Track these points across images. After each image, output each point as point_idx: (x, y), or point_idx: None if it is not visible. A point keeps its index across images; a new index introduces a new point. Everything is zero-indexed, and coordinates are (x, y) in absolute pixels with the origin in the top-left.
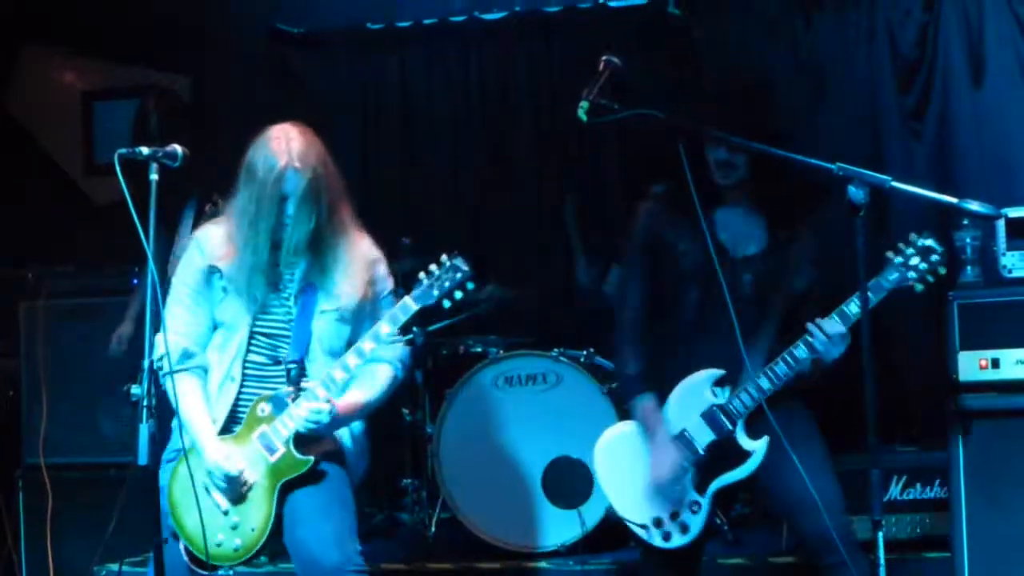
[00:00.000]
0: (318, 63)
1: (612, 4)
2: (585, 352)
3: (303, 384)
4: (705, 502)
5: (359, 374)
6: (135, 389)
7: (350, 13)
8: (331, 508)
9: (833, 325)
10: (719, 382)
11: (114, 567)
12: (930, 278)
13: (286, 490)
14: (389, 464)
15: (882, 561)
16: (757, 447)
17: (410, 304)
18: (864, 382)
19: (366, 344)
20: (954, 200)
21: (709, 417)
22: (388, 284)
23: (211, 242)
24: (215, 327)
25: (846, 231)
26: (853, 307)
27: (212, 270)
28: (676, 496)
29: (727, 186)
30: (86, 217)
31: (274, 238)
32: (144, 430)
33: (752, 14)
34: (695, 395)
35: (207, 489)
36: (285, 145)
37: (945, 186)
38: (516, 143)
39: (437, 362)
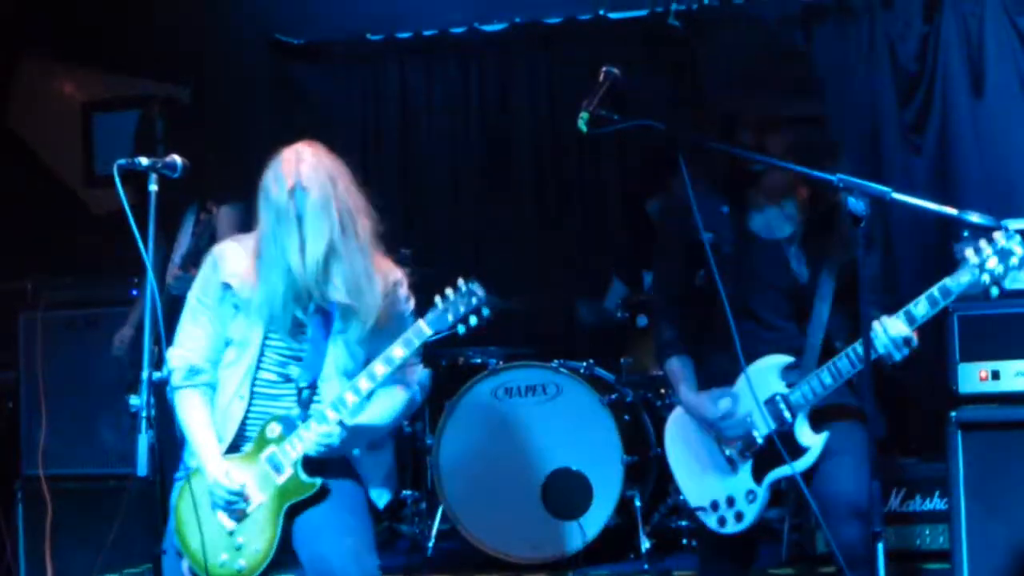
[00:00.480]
0: (318, 74)
1: (612, 16)
2: (585, 363)
3: (314, 406)
4: (761, 492)
5: (376, 395)
6: (134, 400)
7: (350, 24)
8: (348, 522)
9: (897, 325)
10: (788, 368)
11: None
12: (1005, 284)
13: (292, 512)
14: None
15: (881, 573)
16: (815, 443)
17: (424, 328)
18: (864, 394)
19: (378, 367)
20: (954, 212)
21: (772, 406)
22: (409, 306)
23: (229, 259)
24: (226, 344)
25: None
26: (921, 308)
27: (226, 287)
28: (737, 433)
29: (759, 170)
30: (85, 228)
31: (302, 261)
32: (143, 441)
33: (752, 27)
34: (762, 381)
35: (212, 508)
36: (295, 166)
37: (945, 199)
38: (516, 153)
39: (436, 373)
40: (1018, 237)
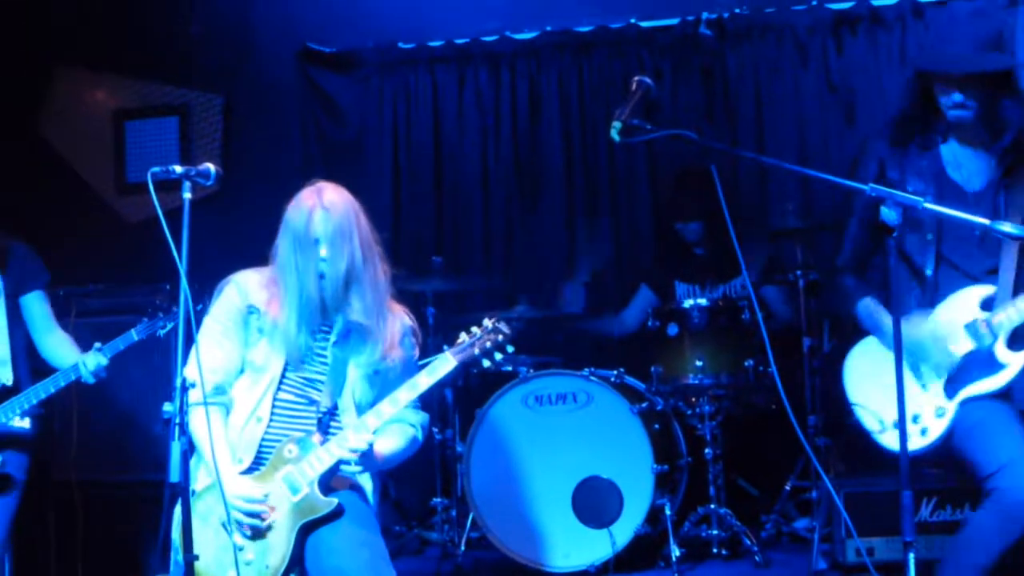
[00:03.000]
0: (349, 82)
1: (643, 24)
2: (616, 371)
3: (332, 429)
4: (953, 408)
5: (384, 429)
6: (167, 407)
7: (381, 32)
8: (362, 535)
9: None
10: (986, 305)
11: None
12: None
13: (305, 531)
14: (419, 483)
15: None
16: (1014, 360)
17: (450, 359)
18: (896, 402)
19: (402, 394)
20: (986, 222)
21: (972, 329)
22: (415, 354)
23: (250, 284)
24: (243, 368)
25: None
26: None
27: (251, 310)
28: (942, 348)
29: (958, 124)
30: (117, 235)
31: (318, 289)
32: (176, 448)
33: (783, 37)
34: (961, 309)
35: (224, 525)
36: (316, 195)
37: None
38: (547, 162)
39: (467, 381)
40: None
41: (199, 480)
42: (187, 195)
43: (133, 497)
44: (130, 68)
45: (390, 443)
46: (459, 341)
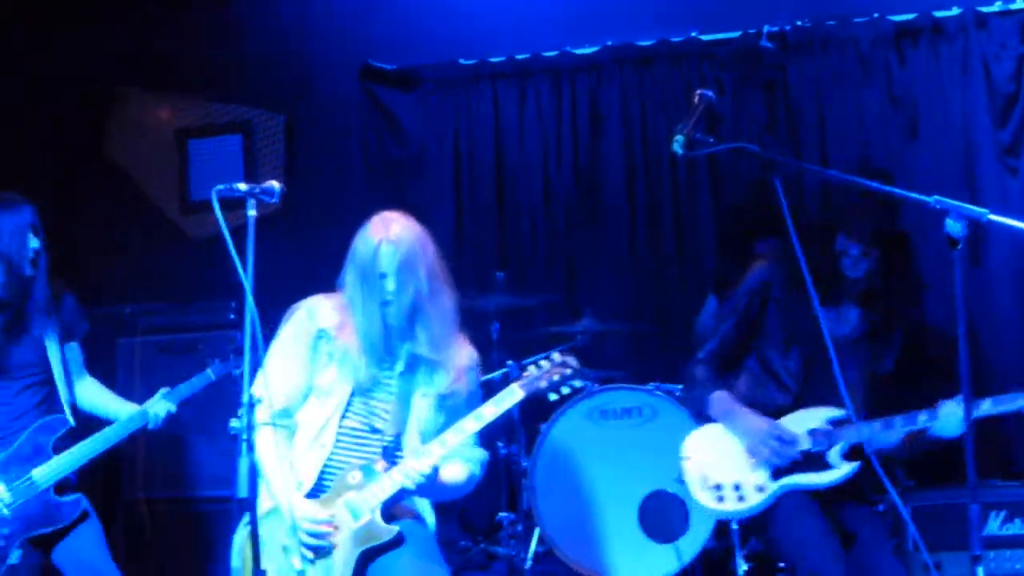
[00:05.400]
0: (411, 99)
1: (704, 37)
2: (681, 386)
3: (396, 458)
4: (773, 488)
5: (446, 462)
6: (234, 423)
7: (442, 49)
8: (425, 565)
9: (955, 409)
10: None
11: None
12: None
13: (366, 558)
14: (484, 498)
15: None
16: (845, 467)
17: (517, 391)
18: (963, 416)
19: (469, 423)
20: None
21: (814, 434)
22: (478, 391)
23: (321, 309)
24: (309, 392)
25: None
26: (985, 407)
27: (321, 334)
28: (772, 452)
29: (852, 278)
30: (182, 253)
31: (383, 320)
32: (244, 463)
33: (845, 49)
34: (809, 420)
35: (284, 550)
36: (382, 226)
37: None
38: (608, 176)
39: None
40: None
41: (261, 504)
42: (252, 212)
43: (200, 513)
44: (193, 87)
45: (450, 473)
46: (526, 374)
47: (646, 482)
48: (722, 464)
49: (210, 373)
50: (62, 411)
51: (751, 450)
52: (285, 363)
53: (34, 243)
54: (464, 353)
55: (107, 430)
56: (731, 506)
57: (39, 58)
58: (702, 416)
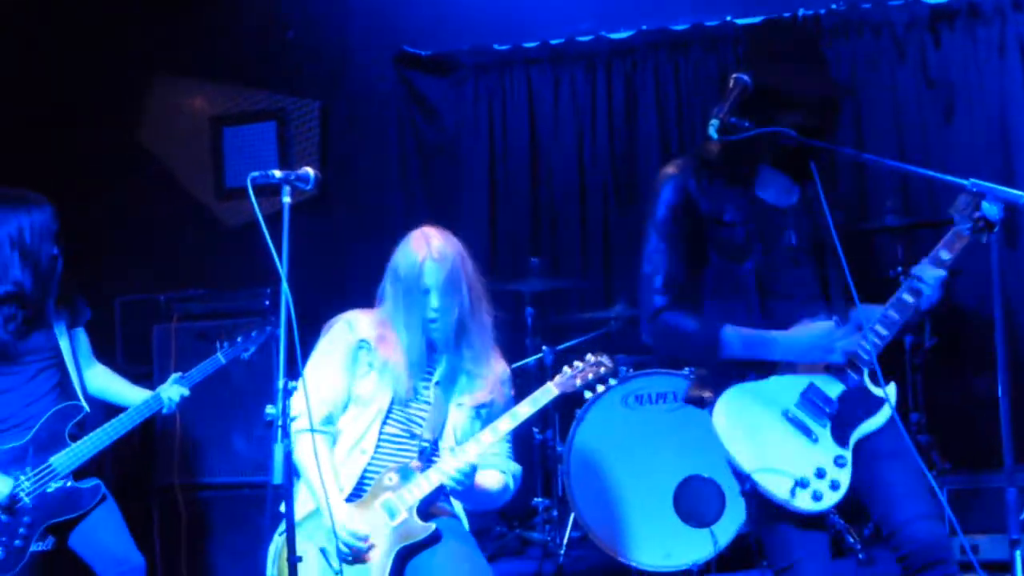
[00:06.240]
0: (445, 84)
1: (739, 21)
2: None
3: (432, 460)
4: (849, 454)
5: (481, 468)
6: (270, 409)
7: (477, 35)
8: (464, 551)
9: (932, 271)
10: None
11: None
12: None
13: (403, 556)
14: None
15: None
16: (887, 392)
17: (552, 389)
18: (999, 399)
19: (504, 422)
20: None
21: (835, 368)
22: (512, 403)
23: (360, 322)
24: (348, 401)
25: None
26: (943, 253)
27: (361, 344)
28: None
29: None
30: (217, 240)
31: (426, 335)
32: (279, 450)
33: (880, 32)
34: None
35: (323, 553)
36: (424, 241)
37: None
38: (643, 161)
39: None
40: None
41: (300, 508)
42: (287, 199)
43: (234, 499)
44: (228, 74)
45: (487, 480)
46: (562, 372)
47: (681, 467)
48: (784, 452)
49: (220, 357)
50: (76, 397)
51: (795, 422)
52: (326, 373)
53: (54, 250)
54: (499, 367)
55: (123, 416)
56: (830, 499)
57: (75, 45)
58: (705, 383)
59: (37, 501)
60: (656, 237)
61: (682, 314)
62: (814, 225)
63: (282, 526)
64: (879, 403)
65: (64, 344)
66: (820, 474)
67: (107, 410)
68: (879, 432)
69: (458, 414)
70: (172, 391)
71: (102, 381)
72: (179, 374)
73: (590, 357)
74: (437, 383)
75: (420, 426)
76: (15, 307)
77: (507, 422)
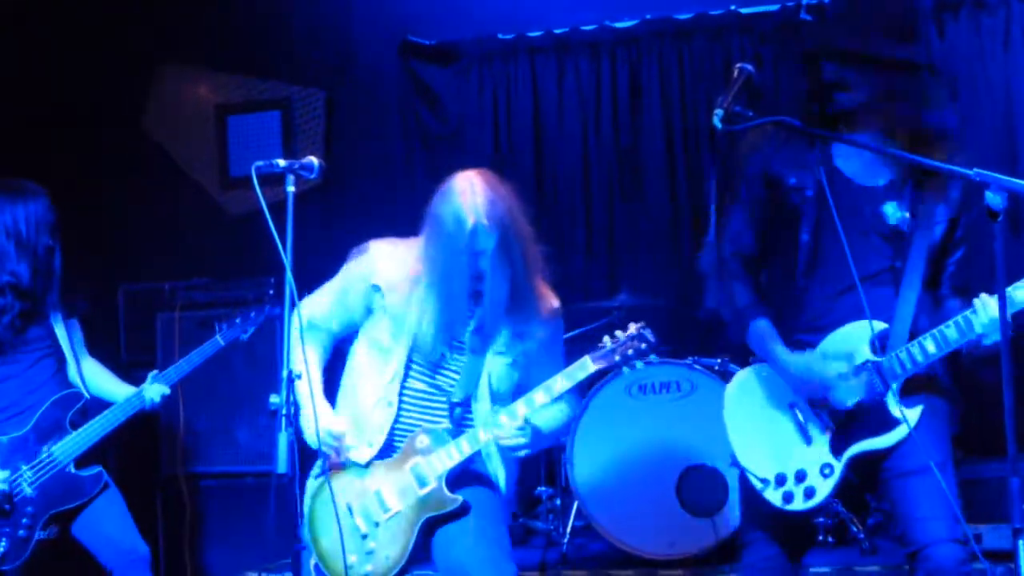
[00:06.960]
0: (450, 74)
1: (743, 10)
2: (719, 360)
3: (465, 421)
4: (839, 467)
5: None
6: (274, 399)
7: (481, 24)
8: (486, 531)
9: (991, 311)
10: (880, 336)
11: (253, 575)
12: None
13: (430, 524)
14: (523, 472)
15: (1022, 571)
16: (909, 416)
17: (588, 364)
18: (1003, 386)
19: (538, 395)
20: None
21: (864, 374)
22: (561, 339)
23: (382, 260)
24: (368, 344)
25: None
26: (1021, 293)
27: (375, 289)
28: (822, 396)
29: (842, 111)
30: (221, 229)
31: (471, 290)
32: (283, 439)
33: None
34: (850, 347)
35: (350, 509)
36: (471, 199)
37: None
38: (647, 150)
39: None
40: None
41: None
42: (291, 188)
43: (239, 489)
44: (232, 63)
45: (545, 416)
46: (600, 345)
47: (684, 456)
48: (774, 443)
49: (219, 339)
50: (75, 385)
51: (795, 420)
52: (330, 294)
53: (50, 241)
54: (546, 303)
55: (107, 412)
56: (799, 505)
57: (80, 33)
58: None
59: (39, 491)
60: (730, 197)
61: (741, 282)
62: (901, 215)
63: (318, 467)
64: (894, 423)
65: (60, 331)
66: (800, 477)
67: (98, 403)
68: (901, 451)
69: (495, 364)
70: (151, 391)
71: (93, 375)
72: (156, 372)
73: (632, 328)
74: (472, 332)
75: (450, 380)
76: (12, 297)
77: (542, 395)
